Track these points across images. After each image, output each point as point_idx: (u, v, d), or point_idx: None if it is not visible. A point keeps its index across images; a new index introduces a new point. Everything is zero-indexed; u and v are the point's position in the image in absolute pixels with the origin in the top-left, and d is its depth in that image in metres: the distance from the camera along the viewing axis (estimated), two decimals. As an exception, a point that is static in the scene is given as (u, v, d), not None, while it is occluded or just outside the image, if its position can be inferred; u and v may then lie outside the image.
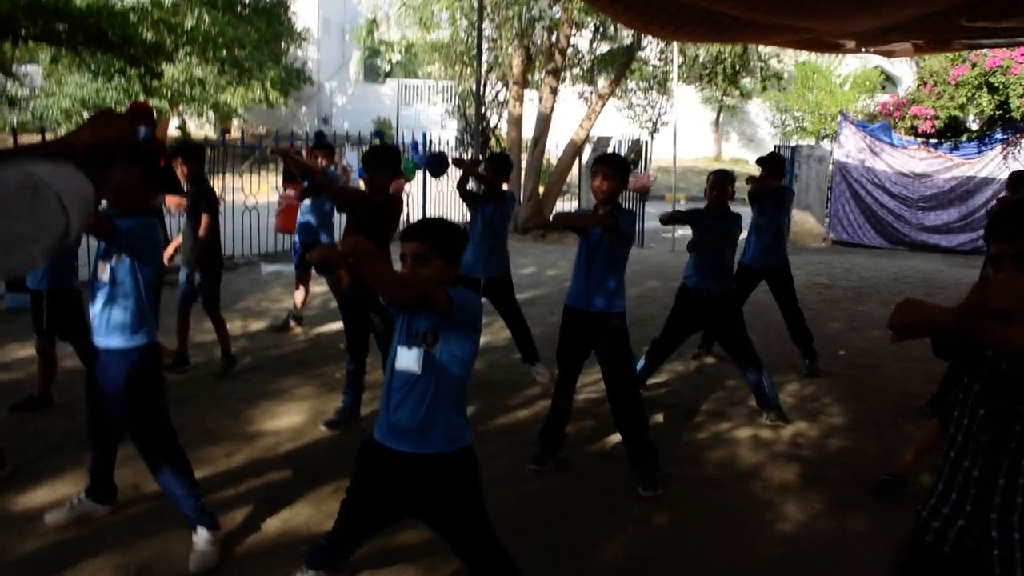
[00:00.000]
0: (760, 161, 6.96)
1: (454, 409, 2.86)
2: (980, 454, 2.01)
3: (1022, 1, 6.53)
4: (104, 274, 3.54)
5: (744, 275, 6.77)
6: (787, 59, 19.86)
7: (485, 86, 14.53)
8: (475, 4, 13.62)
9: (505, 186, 6.54)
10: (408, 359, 2.81)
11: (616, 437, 4.88)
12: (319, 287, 8.50)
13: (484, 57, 14.03)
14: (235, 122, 27.64)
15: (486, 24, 14.22)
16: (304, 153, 8.53)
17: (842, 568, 3.81)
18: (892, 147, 15.21)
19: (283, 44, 26.22)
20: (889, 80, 27.52)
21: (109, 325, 3.54)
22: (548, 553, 3.79)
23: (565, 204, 16.54)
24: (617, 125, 20.48)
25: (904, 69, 25.50)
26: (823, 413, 5.90)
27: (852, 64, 26.52)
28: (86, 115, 22.10)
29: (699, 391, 6.32)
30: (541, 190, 15.17)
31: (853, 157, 15.38)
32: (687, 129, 27.47)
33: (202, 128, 27.20)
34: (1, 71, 20.23)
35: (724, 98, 28.42)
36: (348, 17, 29.06)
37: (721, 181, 5.72)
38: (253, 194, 11.27)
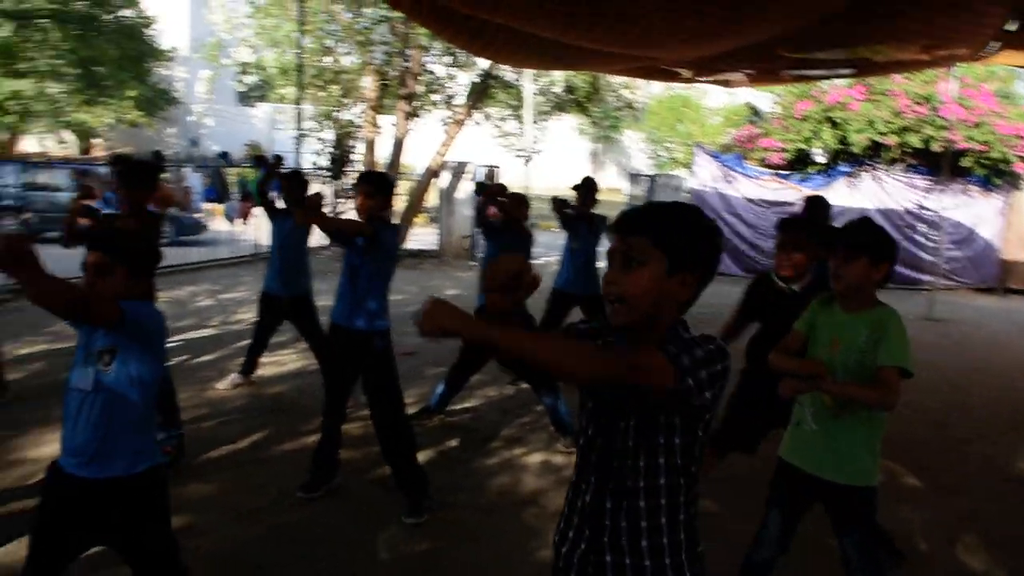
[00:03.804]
0: (576, 187, 6.98)
1: (136, 430, 2.71)
2: (592, 475, 1.96)
3: (835, 35, 6.80)
4: None
5: (557, 299, 6.73)
6: (639, 90, 20.33)
7: (341, 111, 14.37)
8: (327, 28, 13.49)
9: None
10: (81, 379, 2.67)
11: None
12: None
13: (338, 82, 13.90)
14: (97, 142, 26.59)
15: (342, 47, 14.08)
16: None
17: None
18: (745, 177, 15.67)
19: (148, 63, 25.33)
20: (757, 114, 28.56)
21: None
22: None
23: (422, 229, 16.42)
24: (493, 153, 20.53)
25: (770, 104, 26.57)
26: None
27: (723, 98, 27.47)
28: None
29: (505, 416, 6.22)
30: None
31: (708, 186, 15.76)
32: (563, 159, 27.92)
33: (56, 147, 26.01)
34: None
35: (598, 129, 28.98)
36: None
37: (517, 203, 5.75)
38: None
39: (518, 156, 20.23)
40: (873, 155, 15.11)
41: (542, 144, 19.19)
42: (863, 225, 3.14)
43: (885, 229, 3.15)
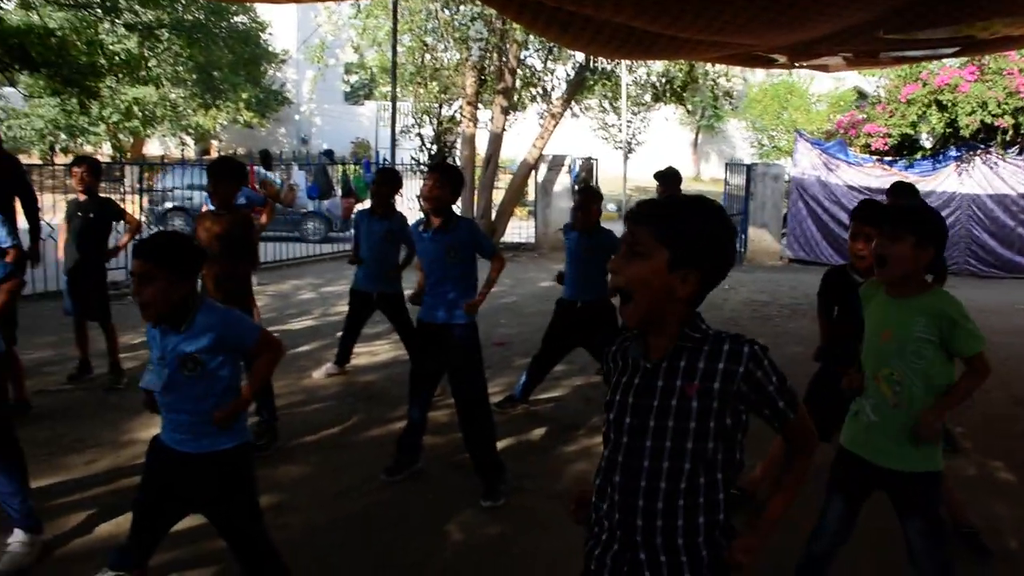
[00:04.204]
0: (657, 176, 7.00)
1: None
2: (620, 474, 1.95)
3: (939, 12, 6.58)
4: None
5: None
6: (735, 78, 19.92)
7: (441, 106, 14.68)
8: (427, 25, 13.79)
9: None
10: (153, 382, 2.97)
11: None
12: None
13: (437, 78, 14.20)
14: (213, 143, 27.89)
15: (440, 44, 14.39)
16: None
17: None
18: (847, 164, 15.24)
19: (262, 66, 26.40)
20: (864, 99, 27.59)
21: None
22: (362, 565, 3.81)
23: (523, 222, 16.57)
24: (591, 145, 20.49)
25: (876, 88, 25.64)
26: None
27: (828, 84, 26.66)
28: (63, 136, 22.34)
29: (588, 406, 6.28)
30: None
31: (808, 174, 15.40)
32: (665, 149, 27.60)
33: (176, 149, 27.34)
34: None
35: (698, 119, 28.52)
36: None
37: (585, 200, 5.73)
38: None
39: (617, 148, 20.22)
40: (986, 138, 14.46)
41: (642, 135, 19.09)
42: (910, 204, 3.06)
43: (935, 210, 3.07)
